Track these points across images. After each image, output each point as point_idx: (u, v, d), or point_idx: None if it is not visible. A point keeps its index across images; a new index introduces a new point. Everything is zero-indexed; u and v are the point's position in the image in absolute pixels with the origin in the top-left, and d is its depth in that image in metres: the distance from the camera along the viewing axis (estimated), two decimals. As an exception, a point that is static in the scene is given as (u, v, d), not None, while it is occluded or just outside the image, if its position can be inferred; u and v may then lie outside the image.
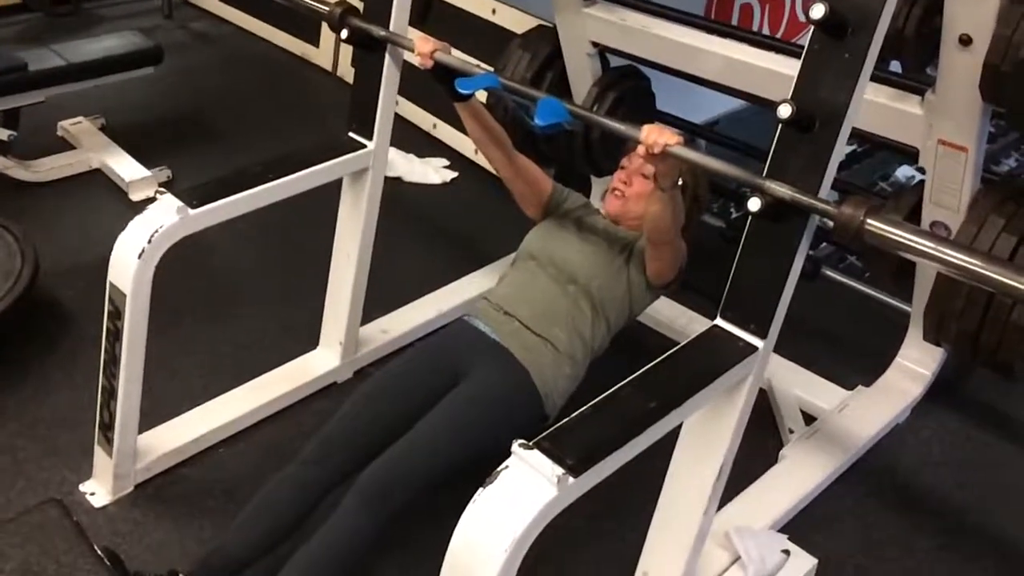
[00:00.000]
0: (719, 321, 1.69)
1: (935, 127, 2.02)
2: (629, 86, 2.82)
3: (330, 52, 4.50)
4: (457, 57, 2.11)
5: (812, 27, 1.47)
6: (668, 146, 1.68)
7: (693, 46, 2.47)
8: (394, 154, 3.68)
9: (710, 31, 2.47)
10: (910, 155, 2.15)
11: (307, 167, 2.24)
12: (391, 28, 2.22)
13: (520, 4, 3.46)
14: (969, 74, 1.85)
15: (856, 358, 2.77)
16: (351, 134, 2.38)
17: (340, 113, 2.44)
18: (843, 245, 2.70)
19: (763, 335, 1.64)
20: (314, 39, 4.57)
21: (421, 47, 2.09)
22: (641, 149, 1.72)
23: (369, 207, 2.40)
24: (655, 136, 1.69)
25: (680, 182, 1.88)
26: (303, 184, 2.24)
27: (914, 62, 1.97)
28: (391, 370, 2.15)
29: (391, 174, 3.61)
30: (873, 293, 2.98)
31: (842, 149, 1.53)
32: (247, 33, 4.91)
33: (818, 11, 1.42)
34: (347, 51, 4.38)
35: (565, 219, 2.32)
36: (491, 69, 2.01)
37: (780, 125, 1.52)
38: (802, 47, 1.53)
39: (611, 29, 2.65)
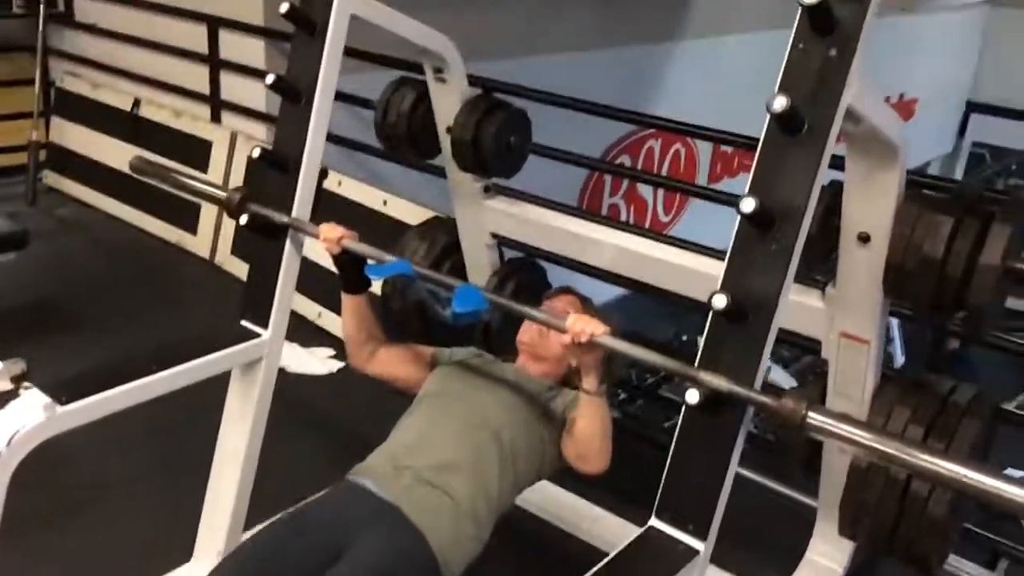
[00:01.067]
0: (654, 522, 1.57)
1: (837, 320, 2.07)
2: (527, 276, 2.82)
3: (208, 239, 4.38)
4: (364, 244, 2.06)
5: (739, 218, 1.48)
6: (595, 336, 1.63)
7: (590, 237, 2.51)
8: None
9: (604, 224, 2.53)
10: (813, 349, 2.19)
11: (195, 358, 2.07)
12: (294, 214, 2.15)
13: (410, 196, 3.49)
14: (869, 270, 1.91)
15: (762, 552, 2.70)
16: (243, 322, 2.24)
17: (221, 302, 2.33)
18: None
19: (703, 536, 1.53)
20: (191, 226, 4.45)
21: (328, 233, 2.02)
22: (566, 339, 1.67)
23: (260, 400, 2.22)
24: (582, 325, 1.64)
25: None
26: (189, 377, 2.06)
27: (816, 257, 2.03)
28: (256, 551, 1.79)
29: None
30: (776, 487, 2.95)
31: (772, 339, 1.52)
32: (118, 220, 4.74)
33: (748, 205, 1.43)
34: (227, 238, 4.27)
35: (464, 365, 2.17)
36: (395, 258, 1.94)
37: (712, 315, 1.49)
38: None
39: (510, 221, 2.67)
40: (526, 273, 2.83)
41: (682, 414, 1.55)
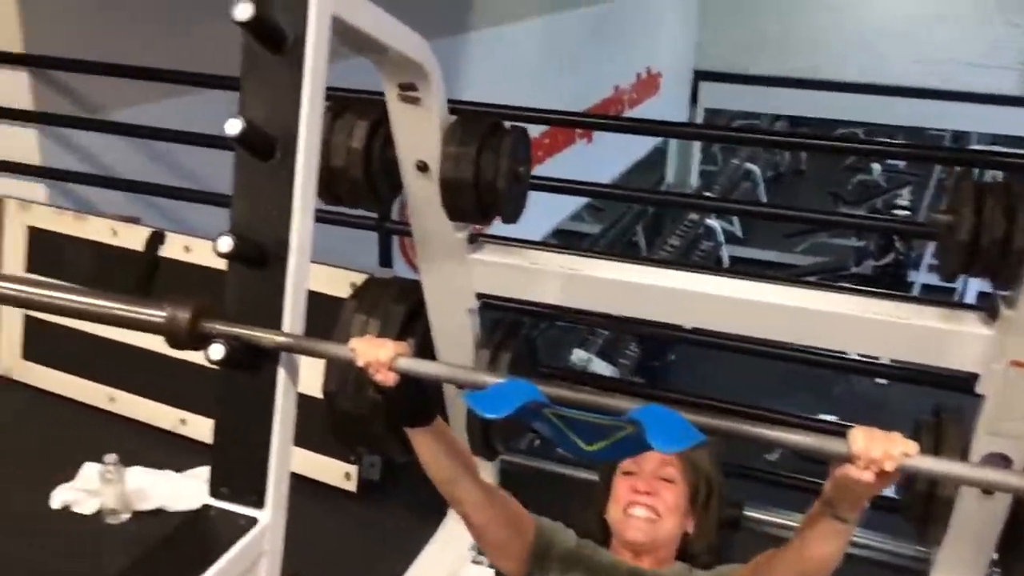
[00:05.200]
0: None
1: (1009, 346, 1.67)
2: (519, 342, 2.20)
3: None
4: (418, 358, 1.36)
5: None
6: (908, 458, 1.09)
7: (636, 283, 1.94)
8: (142, 475, 2.62)
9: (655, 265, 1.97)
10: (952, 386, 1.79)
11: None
12: (286, 327, 1.39)
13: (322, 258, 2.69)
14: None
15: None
16: (218, 502, 1.45)
17: (42, 433, 1.62)
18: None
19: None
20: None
21: (370, 354, 1.30)
22: (856, 470, 1.11)
23: (264, 616, 1.46)
24: (883, 447, 1.09)
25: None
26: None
27: (1001, 278, 1.62)
28: None
29: (146, 506, 2.55)
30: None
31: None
32: None
33: (234, 127, 1.30)
34: (13, 340, 3.18)
35: (565, 572, 1.59)
36: (498, 379, 1.28)
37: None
38: None
39: (506, 275, 2.03)
40: (518, 337, 2.20)
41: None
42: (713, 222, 9.76)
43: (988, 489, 1.69)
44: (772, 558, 1.37)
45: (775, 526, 2.51)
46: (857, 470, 1.10)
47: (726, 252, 9.80)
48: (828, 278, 7.90)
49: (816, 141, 5.56)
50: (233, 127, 1.32)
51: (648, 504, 1.59)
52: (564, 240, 8.43)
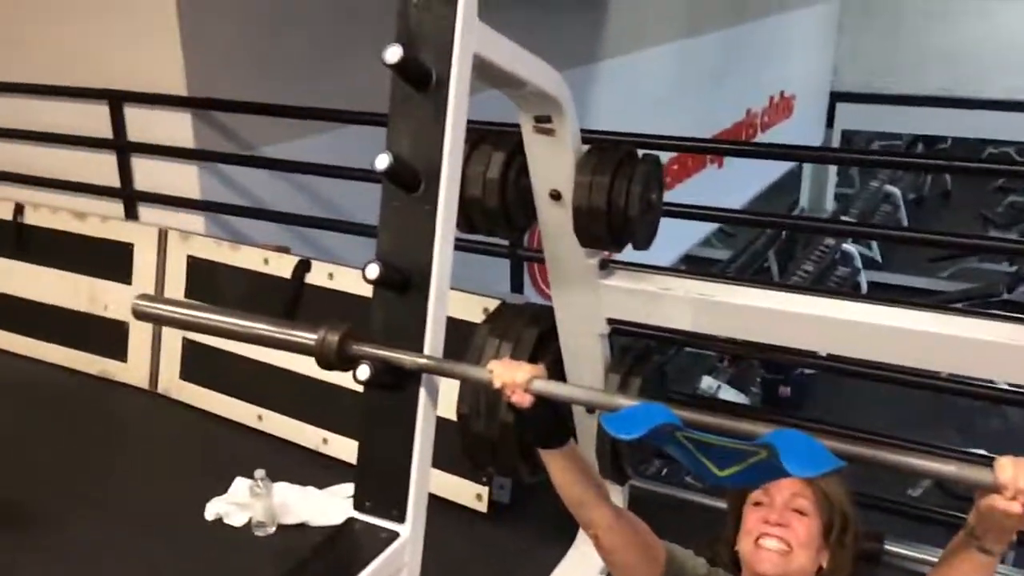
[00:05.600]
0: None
1: None
2: (650, 367, 2.21)
3: (145, 365, 3.50)
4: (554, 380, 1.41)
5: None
6: (1059, 490, 1.06)
7: (769, 309, 1.93)
8: (287, 491, 2.76)
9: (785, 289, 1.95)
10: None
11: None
12: (427, 351, 1.47)
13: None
14: None
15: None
16: (362, 516, 1.53)
17: (193, 447, 1.67)
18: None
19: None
20: (118, 351, 3.56)
21: (508, 376, 1.36)
22: (1003, 500, 1.08)
23: (405, 631, 1.53)
24: (1031, 475, 1.06)
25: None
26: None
27: None
28: None
29: (290, 521, 2.68)
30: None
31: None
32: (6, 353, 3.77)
33: (383, 161, 1.38)
34: (172, 360, 3.43)
35: None
36: (631, 401, 1.30)
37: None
38: None
39: (637, 301, 2.06)
40: (649, 362, 2.22)
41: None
42: (850, 247, 9.44)
43: None
44: None
45: (916, 561, 2.41)
46: (1004, 500, 1.07)
47: (864, 278, 9.45)
48: (977, 305, 7.50)
49: (951, 163, 5.28)
50: (382, 162, 1.41)
51: (780, 536, 1.57)
52: (693, 266, 8.35)
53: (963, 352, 1.72)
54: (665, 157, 6.26)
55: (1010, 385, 2.80)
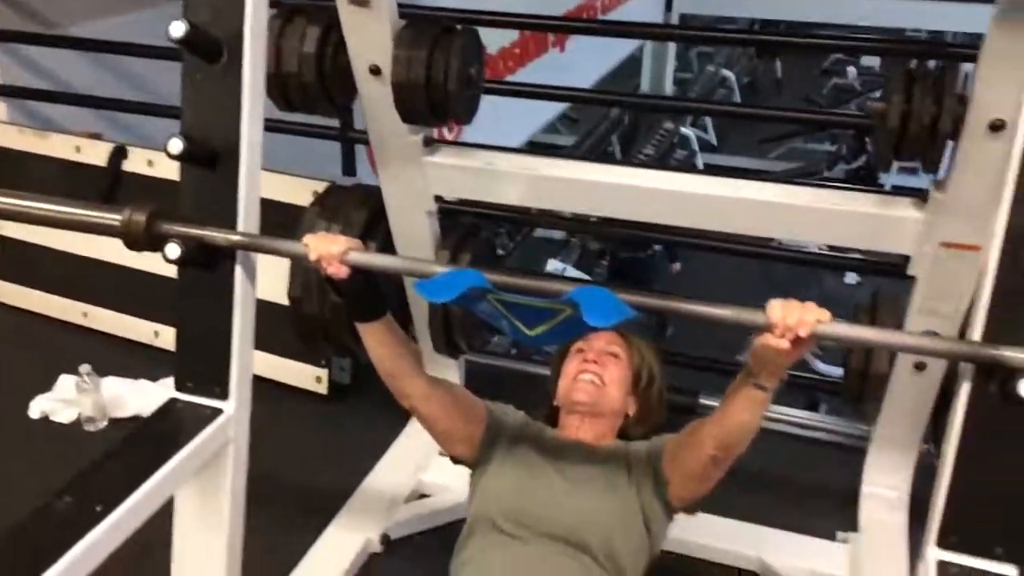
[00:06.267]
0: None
1: (938, 229, 1.75)
2: (479, 242, 2.26)
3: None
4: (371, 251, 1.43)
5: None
6: (820, 325, 1.18)
7: (576, 179, 1.99)
8: (117, 384, 2.70)
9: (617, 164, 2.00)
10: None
11: (142, 476, 1.36)
12: (241, 227, 1.45)
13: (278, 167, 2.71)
14: (995, 163, 1.59)
15: (804, 502, 2.38)
16: (184, 395, 1.53)
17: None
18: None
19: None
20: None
21: (323, 247, 1.36)
22: (773, 339, 1.19)
23: (234, 505, 1.55)
24: (798, 314, 1.17)
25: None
26: (150, 504, 1.35)
27: (929, 161, 1.68)
28: None
29: (123, 414, 2.63)
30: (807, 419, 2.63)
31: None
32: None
33: (178, 29, 1.34)
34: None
35: (518, 455, 1.66)
36: (445, 268, 1.34)
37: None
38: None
39: (463, 177, 2.08)
40: (477, 237, 2.27)
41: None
42: (687, 130, 9.73)
43: (896, 350, 1.78)
44: (699, 425, 1.47)
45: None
46: (775, 338, 1.18)
47: (700, 160, 9.81)
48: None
49: (787, 39, 5.49)
50: (177, 30, 1.35)
51: (596, 372, 1.69)
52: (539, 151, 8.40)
53: (759, 214, 1.85)
54: (505, 41, 6.20)
55: (821, 248, 3.04)
